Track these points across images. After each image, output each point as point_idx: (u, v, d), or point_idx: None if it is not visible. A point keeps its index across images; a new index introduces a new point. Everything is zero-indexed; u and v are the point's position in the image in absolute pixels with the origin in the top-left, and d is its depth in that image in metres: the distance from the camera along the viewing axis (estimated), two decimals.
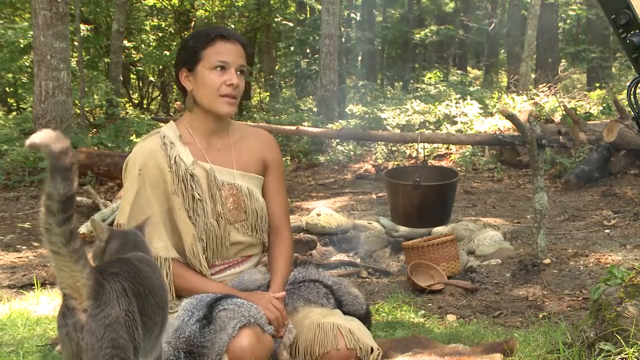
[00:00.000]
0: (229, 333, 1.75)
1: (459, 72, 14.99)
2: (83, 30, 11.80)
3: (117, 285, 1.32)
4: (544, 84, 12.43)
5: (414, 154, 8.37)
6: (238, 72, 1.96)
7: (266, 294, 1.94)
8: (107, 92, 11.07)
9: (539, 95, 11.43)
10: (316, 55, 13.09)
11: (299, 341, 1.92)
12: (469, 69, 20.57)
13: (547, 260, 3.74)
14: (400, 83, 15.85)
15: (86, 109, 11.23)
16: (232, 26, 15.30)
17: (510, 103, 10.47)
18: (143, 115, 11.89)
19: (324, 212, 5.11)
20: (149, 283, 1.42)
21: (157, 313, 1.43)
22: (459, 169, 8.19)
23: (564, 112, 8.04)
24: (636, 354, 1.73)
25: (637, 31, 1.63)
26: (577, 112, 7.78)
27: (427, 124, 10.09)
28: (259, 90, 18.71)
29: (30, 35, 9.93)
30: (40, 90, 7.66)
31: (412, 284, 3.42)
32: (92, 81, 12.28)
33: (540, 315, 2.91)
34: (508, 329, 2.70)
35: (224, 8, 15.39)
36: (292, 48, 15.35)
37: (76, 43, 10.86)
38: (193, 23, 15.38)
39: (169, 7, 15.39)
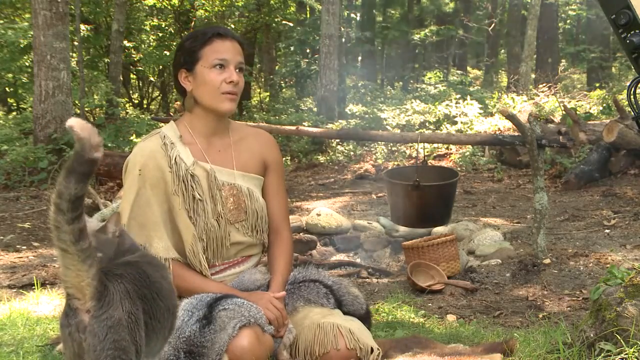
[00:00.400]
0: (229, 333, 1.75)
1: (459, 72, 14.99)
2: (83, 30, 11.80)
3: (121, 287, 1.32)
4: (544, 84, 12.43)
5: (414, 154, 8.37)
6: (237, 70, 1.96)
7: (266, 294, 1.94)
8: (107, 92, 11.07)
9: (539, 96, 11.43)
10: (316, 55, 13.10)
11: (299, 341, 1.92)
12: (469, 69, 20.59)
13: (547, 260, 3.73)
14: (400, 83, 15.87)
15: (86, 109, 11.22)
16: (232, 26, 15.29)
17: (510, 103, 10.47)
18: (143, 116, 11.89)
19: (324, 212, 5.11)
20: (157, 287, 1.42)
21: (166, 317, 1.43)
22: (459, 169, 8.19)
23: (563, 112, 8.04)
24: (636, 354, 1.73)
25: (637, 31, 1.63)
26: (577, 112, 7.77)
27: (427, 124, 10.10)
28: (259, 90, 18.71)
29: (30, 35, 9.93)
30: (40, 90, 7.66)
31: (412, 284, 3.42)
32: (92, 81, 12.28)
33: (540, 315, 2.91)
34: (508, 329, 2.70)
35: (224, 8, 15.38)
36: (292, 48, 15.35)
37: (76, 43, 10.86)
38: (193, 23, 15.37)
39: (169, 7, 15.38)
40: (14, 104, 14.75)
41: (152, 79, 16.41)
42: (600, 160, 6.84)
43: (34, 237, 5.08)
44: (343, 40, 14.60)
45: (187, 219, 1.93)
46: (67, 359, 1.30)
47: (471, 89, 12.37)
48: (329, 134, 7.10)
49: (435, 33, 16.30)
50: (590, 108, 10.24)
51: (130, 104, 15.03)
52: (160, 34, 15.60)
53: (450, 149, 9.17)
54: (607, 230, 4.78)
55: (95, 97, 11.28)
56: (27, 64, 11.89)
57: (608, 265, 3.07)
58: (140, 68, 15.52)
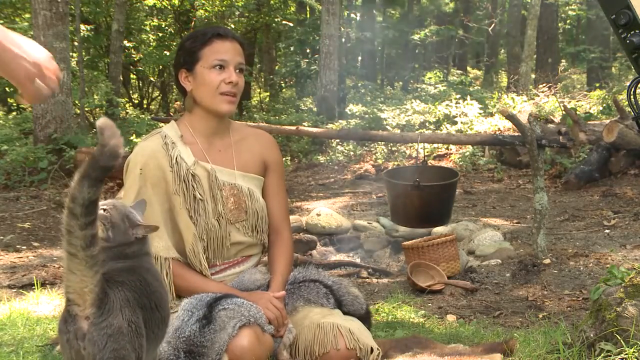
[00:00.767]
0: (229, 333, 1.75)
1: (459, 72, 15.01)
2: (83, 30, 11.80)
3: (122, 295, 1.30)
4: (544, 84, 12.43)
5: (414, 154, 8.37)
6: (237, 70, 1.96)
7: (266, 294, 1.94)
8: (107, 92, 11.07)
9: (539, 96, 11.43)
10: (316, 55, 13.09)
11: (298, 341, 1.92)
12: (469, 69, 20.58)
13: (547, 260, 3.73)
14: (400, 83, 15.86)
15: (86, 109, 11.23)
16: (232, 26, 15.29)
17: (510, 103, 10.47)
18: (143, 116, 11.90)
19: (324, 212, 5.12)
20: (157, 296, 1.41)
21: (160, 327, 1.42)
22: (459, 169, 8.19)
23: (563, 112, 8.04)
24: (636, 354, 1.73)
25: (637, 31, 1.63)
26: (577, 112, 7.77)
27: (427, 124, 10.09)
28: (259, 90, 18.71)
29: (30, 35, 9.92)
30: None
31: (412, 284, 3.42)
32: (92, 81, 12.28)
33: (540, 315, 2.91)
34: (508, 329, 2.70)
35: (224, 8, 15.38)
36: (292, 48, 15.34)
37: (76, 43, 10.86)
38: (193, 23, 15.37)
39: (169, 7, 15.38)
40: (14, 104, 14.74)
41: (152, 79, 16.41)
42: (600, 160, 6.84)
43: (34, 237, 5.08)
44: (343, 40, 14.59)
45: (188, 219, 1.93)
46: None
47: (471, 89, 12.36)
48: (329, 134, 7.10)
49: (435, 33, 16.29)
50: (590, 108, 10.23)
51: (130, 104, 15.03)
52: (160, 34, 15.60)
53: (450, 149, 9.17)
54: (607, 230, 4.78)
55: (95, 97, 11.28)
56: None
57: (608, 265, 3.07)
58: (140, 68, 15.52)
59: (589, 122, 7.46)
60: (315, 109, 11.77)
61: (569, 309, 3.03)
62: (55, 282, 3.59)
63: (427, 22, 18.56)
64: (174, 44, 14.82)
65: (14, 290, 3.46)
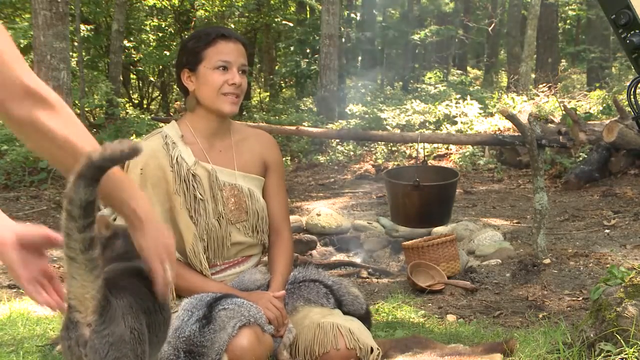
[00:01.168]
0: (229, 332, 1.75)
1: (459, 72, 15.01)
2: (83, 30, 11.80)
3: (124, 301, 1.28)
4: (544, 84, 12.43)
5: (414, 154, 8.37)
6: (240, 72, 1.97)
7: (266, 294, 1.94)
8: (107, 92, 11.06)
9: (539, 96, 11.43)
10: (316, 55, 13.09)
11: (298, 341, 1.92)
12: (469, 69, 20.58)
13: (547, 260, 3.73)
14: (400, 83, 15.86)
15: (86, 109, 11.22)
16: (232, 26, 15.29)
17: (510, 103, 10.47)
18: (143, 116, 11.89)
19: (324, 212, 5.12)
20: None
21: (162, 330, 1.41)
22: (459, 169, 8.19)
23: (563, 112, 8.04)
24: (636, 354, 1.73)
25: (637, 31, 1.63)
26: (577, 112, 7.77)
27: (427, 124, 10.09)
28: (259, 90, 18.70)
29: (30, 35, 9.92)
30: None
31: (412, 284, 3.42)
32: (92, 81, 12.27)
33: (540, 315, 2.91)
34: (508, 329, 2.70)
35: (224, 8, 15.38)
36: (292, 48, 15.34)
37: (76, 43, 10.86)
38: (193, 23, 15.37)
39: (169, 7, 15.38)
40: None
41: (152, 79, 16.41)
42: (600, 160, 6.84)
43: None
44: (343, 40, 14.59)
45: (188, 219, 1.93)
46: None
47: (471, 89, 12.37)
48: (329, 134, 7.10)
49: (435, 33, 16.29)
50: (590, 108, 10.23)
51: (130, 104, 15.02)
52: (160, 34, 15.60)
53: (450, 149, 9.17)
54: (607, 230, 4.78)
55: (95, 97, 11.28)
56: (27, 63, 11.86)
57: (608, 265, 3.07)
58: (140, 68, 15.51)
59: (589, 122, 7.45)
60: (315, 109, 11.77)
61: (569, 309, 3.03)
62: None
63: (427, 22, 18.56)
64: (174, 44, 14.83)
65: (14, 290, 3.45)
